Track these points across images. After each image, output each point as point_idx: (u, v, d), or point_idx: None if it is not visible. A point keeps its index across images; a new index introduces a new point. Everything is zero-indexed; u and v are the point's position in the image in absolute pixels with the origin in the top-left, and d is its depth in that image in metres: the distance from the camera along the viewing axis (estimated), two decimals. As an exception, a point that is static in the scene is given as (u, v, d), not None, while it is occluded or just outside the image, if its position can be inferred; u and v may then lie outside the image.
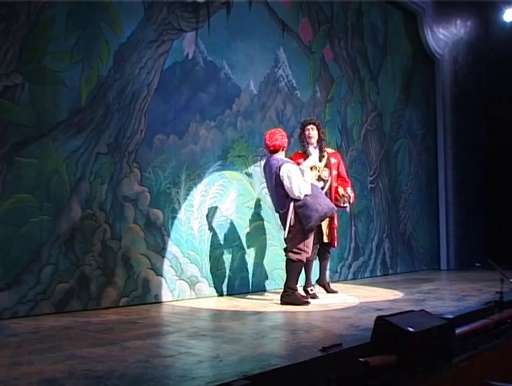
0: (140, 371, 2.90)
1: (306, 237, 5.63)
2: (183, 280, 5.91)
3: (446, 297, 6.21)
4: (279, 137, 5.70)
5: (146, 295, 5.58)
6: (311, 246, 5.72)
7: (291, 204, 5.53)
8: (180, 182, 5.97)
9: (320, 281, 6.51)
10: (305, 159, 6.05)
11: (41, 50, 4.87)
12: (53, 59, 4.95)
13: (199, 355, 3.29)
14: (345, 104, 8.44)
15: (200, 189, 6.16)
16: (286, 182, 5.51)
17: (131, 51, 5.57)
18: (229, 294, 6.33)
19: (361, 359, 3.23)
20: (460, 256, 10.48)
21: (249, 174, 6.75)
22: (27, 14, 4.78)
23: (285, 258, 5.73)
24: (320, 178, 6.15)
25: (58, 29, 4.99)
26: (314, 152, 6.20)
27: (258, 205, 6.83)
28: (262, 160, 6.86)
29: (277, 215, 5.91)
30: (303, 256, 5.63)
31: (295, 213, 5.51)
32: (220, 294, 6.28)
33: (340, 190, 6.25)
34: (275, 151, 5.71)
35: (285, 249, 5.76)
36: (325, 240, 6.22)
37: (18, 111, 4.72)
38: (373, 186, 8.97)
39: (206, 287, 6.15)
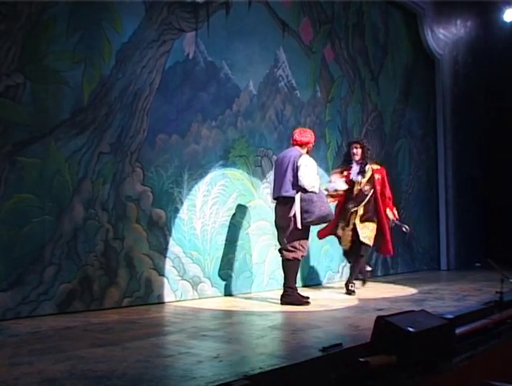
0: (140, 371, 2.91)
1: (302, 236, 5.66)
2: (185, 280, 5.92)
3: (446, 297, 6.22)
4: (309, 135, 5.95)
5: (149, 295, 5.59)
6: (306, 246, 5.76)
7: (298, 195, 5.57)
8: (183, 182, 5.98)
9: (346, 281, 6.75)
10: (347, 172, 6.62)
11: (43, 49, 4.89)
12: (55, 58, 4.96)
13: (199, 355, 3.30)
14: (346, 104, 8.44)
15: (202, 189, 6.17)
16: (302, 171, 5.58)
17: (133, 51, 5.58)
18: (231, 294, 6.35)
19: (361, 359, 3.24)
20: (460, 256, 10.48)
21: (250, 174, 6.75)
22: (29, 13, 4.79)
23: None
24: (360, 192, 6.58)
25: (60, 28, 5.00)
26: (355, 168, 6.65)
27: (259, 205, 6.83)
28: (263, 160, 6.90)
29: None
30: (299, 255, 5.66)
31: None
32: (223, 294, 6.29)
33: (389, 214, 6.75)
34: (299, 146, 5.86)
35: (279, 250, 5.78)
36: (362, 239, 6.52)
37: (20, 110, 4.73)
38: (374, 186, 8.95)
39: (209, 287, 6.16)
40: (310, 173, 5.62)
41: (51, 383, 2.70)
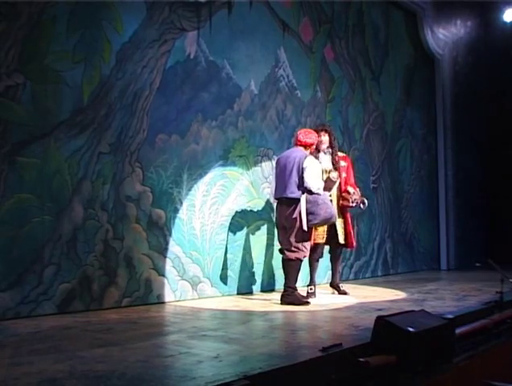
0: (140, 371, 2.91)
1: (305, 237, 5.66)
2: (185, 280, 5.92)
3: (446, 297, 6.21)
4: (313, 137, 5.93)
5: (149, 295, 5.59)
6: (308, 246, 5.76)
7: (303, 197, 5.57)
8: (182, 182, 5.97)
9: (333, 283, 6.63)
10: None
11: (43, 49, 4.88)
12: (55, 58, 4.96)
13: (199, 355, 3.30)
14: (347, 104, 8.44)
15: (201, 189, 6.17)
16: (308, 173, 5.58)
17: (133, 51, 5.57)
18: (230, 294, 6.34)
19: (361, 359, 3.24)
20: (460, 256, 10.47)
21: (250, 174, 6.75)
22: (29, 13, 4.79)
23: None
24: (328, 179, 6.03)
25: (59, 28, 5.00)
26: (324, 157, 6.30)
27: (259, 205, 6.83)
28: (264, 160, 6.90)
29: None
30: (301, 255, 5.66)
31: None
32: (223, 294, 6.28)
33: (350, 189, 6.36)
34: (303, 147, 5.85)
35: (280, 250, 5.78)
36: (341, 241, 6.32)
37: (20, 110, 4.73)
38: (375, 186, 8.97)
39: (208, 287, 6.16)
40: (316, 175, 5.63)
41: (51, 383, 2.70)
